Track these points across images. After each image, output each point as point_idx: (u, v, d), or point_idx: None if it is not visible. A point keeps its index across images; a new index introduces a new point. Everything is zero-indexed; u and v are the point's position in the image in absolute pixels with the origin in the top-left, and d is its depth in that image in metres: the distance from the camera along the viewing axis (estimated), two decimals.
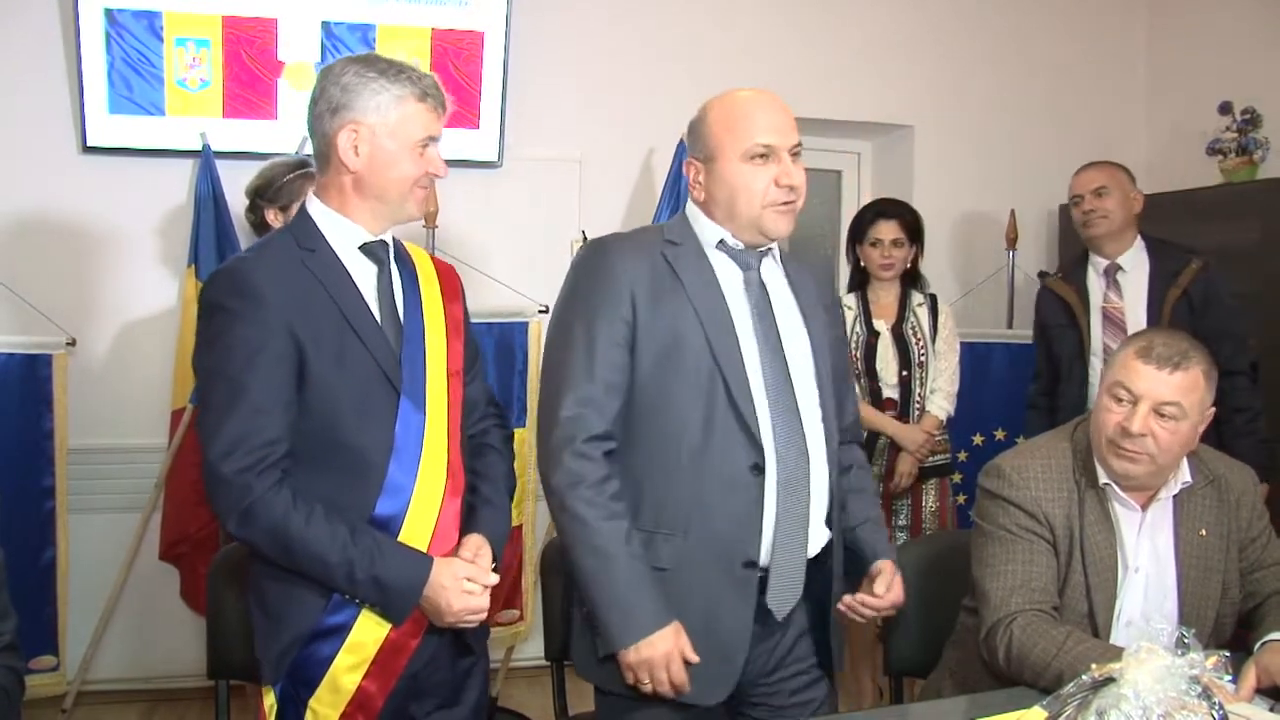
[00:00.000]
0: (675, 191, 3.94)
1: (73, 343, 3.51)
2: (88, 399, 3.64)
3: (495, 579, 1.85)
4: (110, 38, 3.59)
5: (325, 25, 3.79)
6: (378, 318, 1.85)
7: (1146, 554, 2.00)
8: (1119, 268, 3.37)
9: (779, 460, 1.87)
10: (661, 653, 1.80)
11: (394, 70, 1.85)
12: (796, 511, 1.88)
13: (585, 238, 4.15)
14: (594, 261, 1.93)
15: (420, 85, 1.85)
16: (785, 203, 1.89)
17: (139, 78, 3.65)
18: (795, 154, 1.91)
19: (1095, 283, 3.41)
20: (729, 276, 1.95)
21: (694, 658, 1.82)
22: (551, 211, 4.16)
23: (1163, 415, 1.90)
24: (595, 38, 4.19)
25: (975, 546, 2.08)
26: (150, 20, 3.63)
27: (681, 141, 3.91)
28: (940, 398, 3.54)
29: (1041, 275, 4.66)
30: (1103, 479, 2.00)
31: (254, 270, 1.81)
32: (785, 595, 1.90)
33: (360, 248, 1.88)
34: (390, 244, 1.93)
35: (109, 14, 3.58)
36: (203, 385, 1.82)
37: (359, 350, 1.80)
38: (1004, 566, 1.99)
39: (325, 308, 1.80)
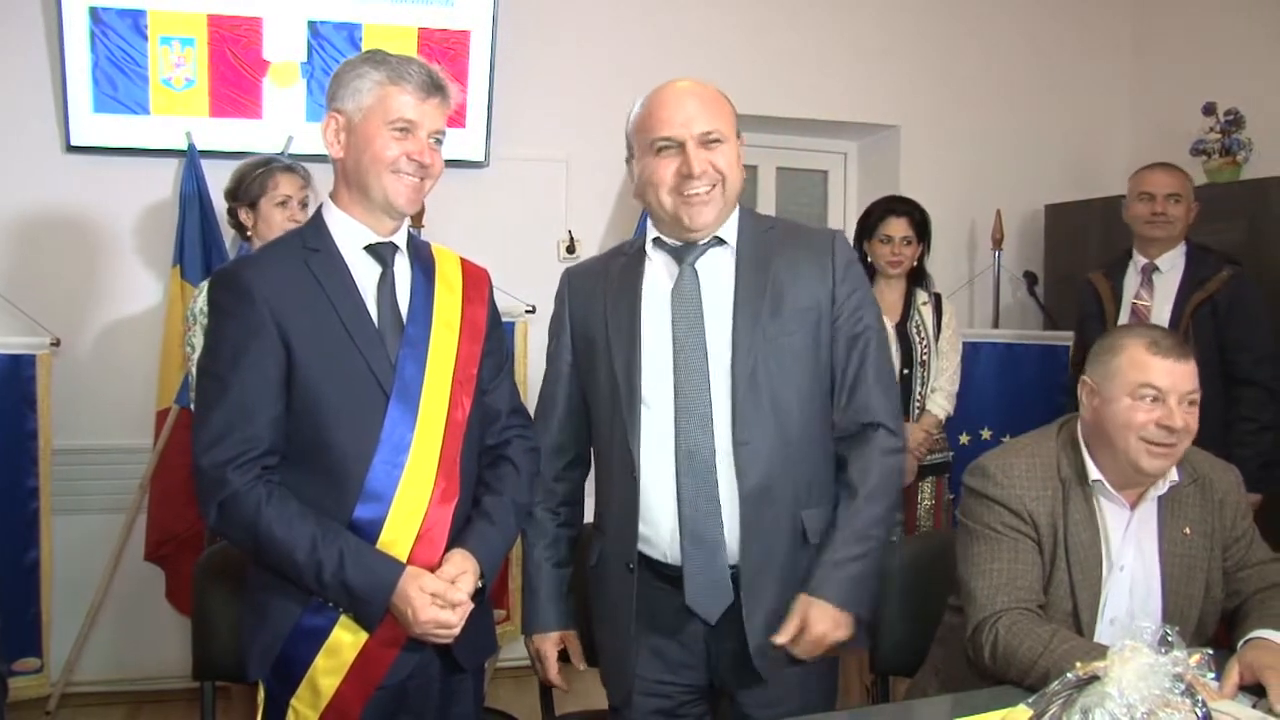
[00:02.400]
0: None
1: (57, 343, 3.50)
2: (72, 399, 3.62)
3: (464, 599, 1.78)
4: (94, 36, 3.58)
5: (311, 24, 3.78)
6: (376, 319, 1.83)
7: (1132, 553, 2.01)
8: (1156, 268, 3.43)
9: (677, 464, 1.88)
10: (535, 649, 2.08)
11: (378, 59, 1.83)
12: (703, 515, 1.87)
13: (572, 238, 4.18)
14: (558, 290, 2.11)
15: (397, 69, 1.80)
16: (693, 191, 1.87)
17: (124, 76, 3.63)
18: (711, 141, 1.88)
19: (1131, 279, 3.48)
20: (661, 278, 1.97)
21: (579, 665, 2.08)
22: (538, 211, 4.16)
23: (1188, 404, 1.94)
24: (582, 37, 4.19)
25: (960, 545, 2.08)
26: (135, 19, 3.61)
27: None
28: (941, 397, 3.55)
29: (1027, 275, 4.72)
30: (1094, 475, 2.00)
31: (246, 269, 1.83)
32: (708, 599, 1.89)
33: (365, 248, 1.86)
34: (401, 246, 1.90)
35: (93, 12, 3.56)
36: (196, 381, 1.86)
37: (350, 351, 1.79)
38: (989, 565, 1.99)
39: (320, 308, 1.79)
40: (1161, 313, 3.35)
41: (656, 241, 1.97)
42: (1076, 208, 4.60)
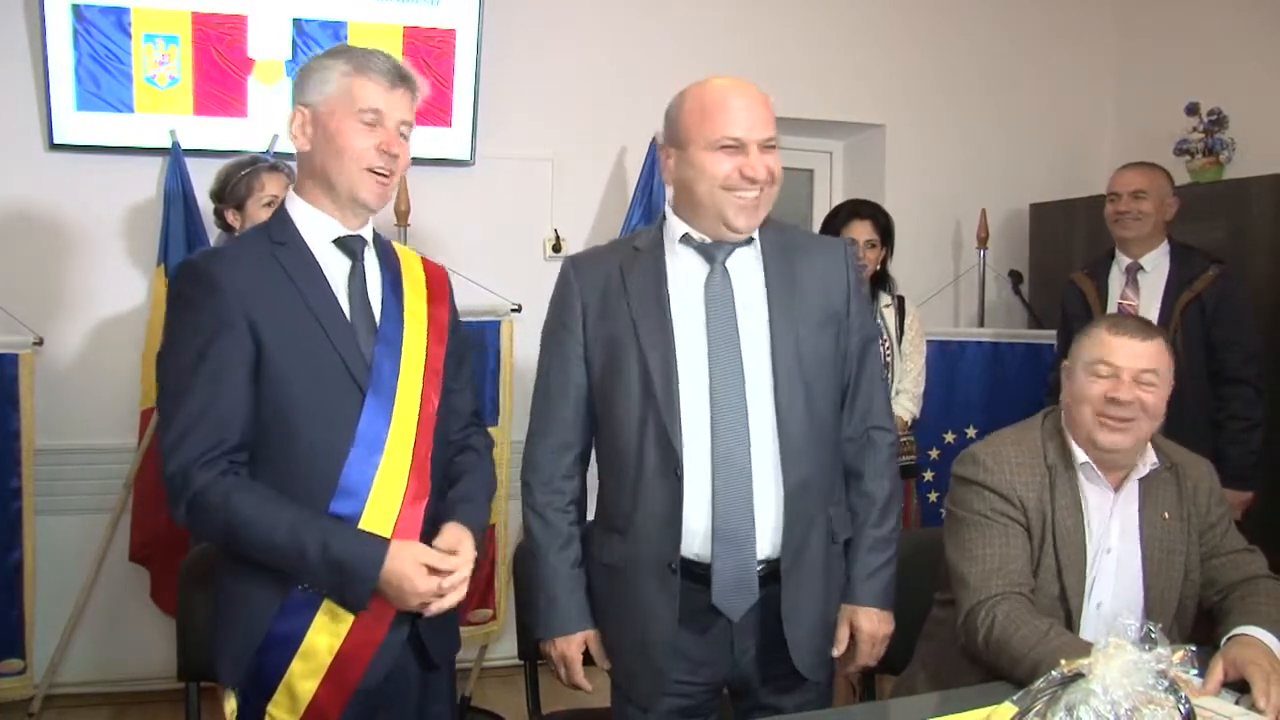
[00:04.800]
0: (648, 190, 3.94)
1: (40, 342, 3.47)
2: (55, 399, 3.60)
3: (456, 564, 1.77)
4: (77, 34, 3.55)
5: (296, 22, 3.77)
6: (347, 313, 1.81)
7: (1117, 535, 2.05)
8: (1140, 268, 3.45)
9: (713, 464, 1.87)
10: (559, 653, 2.00)
11: (342, 51, 1.83)
12: (736, 514, 1.87)
13: (558, 236, 4.18)
14: (559, 279, 2.04)
15: (361, 59, 1.79)
16: (746, 193, 1.89)
17: (107, 74, 3.61)
18: (768, 147, 1.91)
19: (1116, 279, 3.50)
20: (688, 274, 1.95)
21: (603, 665, 2.01)
22: (524, 210, 4.15)
23: (1142, 383, 1.98)
24: (568, 36, 4.18)
25: (950, 534, 2.10)
26: (118, 16, 3.59)
27: (654, 141, 3.92)
28: (906, 399, 3.58)
29: (1012, 274, 4.73)
30: (1080, 459, 2.04)
31: (214, 260, 1.79)
32: (734, 598, 1.89)
33: (334, 241, 1.84)
34: (369, 240, 1.88)
35: (76, 9, 3.54)
36: (159, 374, 1.80)
37: (323, 345, 1.76)
38: (982, 550, 2.02)
39: (290, 300, 1.76)
40: (1149, 312, 3.36)
41: (684, 238, 1.96)
42: (1061, 207, 4.62)
